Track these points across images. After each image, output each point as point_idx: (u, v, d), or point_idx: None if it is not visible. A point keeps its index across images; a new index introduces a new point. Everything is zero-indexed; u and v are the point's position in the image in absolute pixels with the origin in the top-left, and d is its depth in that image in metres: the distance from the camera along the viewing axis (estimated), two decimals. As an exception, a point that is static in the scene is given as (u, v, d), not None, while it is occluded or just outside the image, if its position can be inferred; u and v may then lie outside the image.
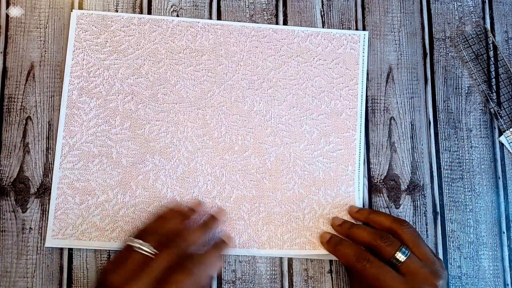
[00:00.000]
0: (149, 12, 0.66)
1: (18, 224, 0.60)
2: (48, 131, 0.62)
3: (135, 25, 0.65)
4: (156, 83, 0.64)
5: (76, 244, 0.60)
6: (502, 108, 0.67)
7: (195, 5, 0.66)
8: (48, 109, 0.63)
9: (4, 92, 0.63)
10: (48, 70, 0.64)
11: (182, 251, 0.52)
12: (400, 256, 0.55)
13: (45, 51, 0.64)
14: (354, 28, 0.68)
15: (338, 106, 0.65)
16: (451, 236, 0.64)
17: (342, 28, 0.67)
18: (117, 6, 0.66)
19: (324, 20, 0.67)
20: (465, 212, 0.65)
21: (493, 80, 0.67)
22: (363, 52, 0.66)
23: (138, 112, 0.63)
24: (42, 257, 0.60)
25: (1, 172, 0.61)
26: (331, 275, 0.62)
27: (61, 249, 0.60)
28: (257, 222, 0.62)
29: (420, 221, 0.64)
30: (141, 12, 0.66)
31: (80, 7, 0.65)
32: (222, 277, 0.61)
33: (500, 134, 0.67)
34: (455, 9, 0.69)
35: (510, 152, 0.66)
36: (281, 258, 0.62)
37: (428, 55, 0.68)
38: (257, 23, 0.66)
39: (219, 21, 0.66)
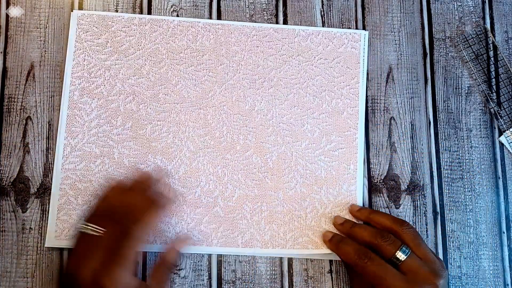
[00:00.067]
0: (149, 12, 0.66)
1: (18, 224, 0.60)
2: (48, 131, 0.62)
3: (135, 25, 0.65)
4: (157, 83, 0.64)
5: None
6: (502, 108, 0.67)
7: (195, 5, 0.67)
8: (48, 109, 0.63)
9: (4, 92, 0.63)
10: (48, 70, 0.64)
11: (129, 222, 0.52)
12: (401, 255, 0.55)
13: (45, 51, 0.64)
14: (354, 28, 0.68)
15: (339, 105, 0.65)
16: (451, 236, 0.64)
17: (342, 28, 0.67)
18: (117, 6, 0.66)
19: (324, 20, 0.68)
20: (465, 212, 0.65)
21: (493, 80, 0.68)
22: (364, 51, 0.67)
23: (139, 113, 0.63)
24: (42, 257, 0.60)
25: (1, 172, 0.61)
26: (331, 275, 0.62)
27: (61, 249, 0.60)
28: (259, 221, 0.62)
29: (420, 221, 0.64)
30: (141, 12, 0.66)
31: (80, 7, 0.65)
32: (222, 277, 0.61)
33: (500, 134, 0.67)
34: (455, 9, 0.69)
35: (510, 152, 0.66)
36: (281, 258, 0.62)
37: (428, 55, 0.68)
38: (257, 23, 0.66)
39: (219, 21, 0.66)
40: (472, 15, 0.69)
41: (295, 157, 0.64)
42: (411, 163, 0.65)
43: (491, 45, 0.68)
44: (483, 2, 0.70)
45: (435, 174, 0.66)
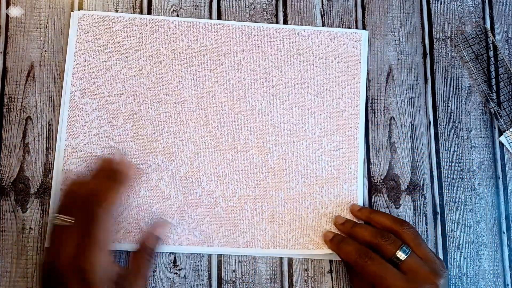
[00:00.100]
0: (149, 12, 0.66)
1: (18, 224, 0.60)
2: (48, 131, 0.62)
3: (136, 25, 0.65)
4: (158, 84, 0.64)
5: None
6: (502, 108, 0.67)
7: (195, 5, 0.66)
8: (48, 109, 0.63)
9: (4, 92, 0.63)
10: (48, 70, 0.63)
11: (94, 206, 0.53)
12: (401, 255, 0.55)
13: (45, 51, 0.64)
14: (354, 28, 0.68)
15: (340, 104, 0.65)
16: (451, 236, 0.64)
17: (343, 28, 0.67)
18: (117, 6, 0.66)
19: (324, 20, 0.68)
20: (465, 212, 0.65)
21: (493, 80, 0.68)
22: (364, 51, 0.67)
23: (140, 113, 0.63)
24: (42, 257, 0.60)
25: (1, 172, 0.61)
26: (331, 275, 0.62)
27: (62, 250, 0.60)
28: (260, 221, 0.62)
29: (420, 221, 0.64)
30: (141, 12, 0.66)
31: (80, 7, 0.65)
32: (222, 277, 0.61)
33: (500, 134, 0.67)
34: (455, 9, 0.69)
35: (510, 152, 0.66)
36: (281, 258, 0.62)
37: (428, 55, 0.68)
38: (258, 23, 0.66)
39: (220, 21, 0.66)
40: (472, 15, 0.69)
41: (296, 157, 0.64)
42: (411, 163, 0.66)
43: (491, 45, 0.69)
44: (483, 2, 0.70)
45: (435, 174, 0.66)
